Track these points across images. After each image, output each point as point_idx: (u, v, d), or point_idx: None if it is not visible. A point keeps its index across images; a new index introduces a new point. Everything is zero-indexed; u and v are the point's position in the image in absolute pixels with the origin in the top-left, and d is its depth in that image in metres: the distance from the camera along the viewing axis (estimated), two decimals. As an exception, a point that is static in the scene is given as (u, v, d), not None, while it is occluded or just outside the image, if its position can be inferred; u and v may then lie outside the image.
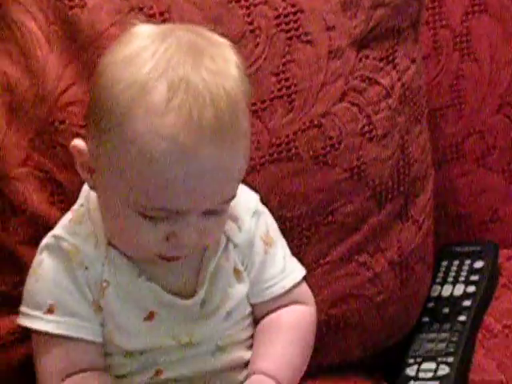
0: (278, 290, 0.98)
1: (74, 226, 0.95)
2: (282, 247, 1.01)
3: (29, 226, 1.00)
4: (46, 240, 0.95)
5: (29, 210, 1.00)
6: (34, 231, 0.99)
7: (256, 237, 0.98)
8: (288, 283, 0.99)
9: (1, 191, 0.99)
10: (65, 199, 1.01)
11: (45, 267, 0.93)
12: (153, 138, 0.85)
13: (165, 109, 0.84)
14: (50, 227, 0.97)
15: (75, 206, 0.97)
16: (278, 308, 0.99)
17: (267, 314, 0.99)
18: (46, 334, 0.92)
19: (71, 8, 1.00)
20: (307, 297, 1.01)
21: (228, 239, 0.97)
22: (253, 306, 0.99)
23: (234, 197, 0.91)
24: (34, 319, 0.93)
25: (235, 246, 0.97)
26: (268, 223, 1.00)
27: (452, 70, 1.27)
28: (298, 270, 1.01)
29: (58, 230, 0.95)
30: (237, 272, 0.97)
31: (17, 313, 0.97)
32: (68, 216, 0.96)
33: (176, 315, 0.94)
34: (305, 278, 1.01)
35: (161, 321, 0.93)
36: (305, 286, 1.02)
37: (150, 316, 0.93)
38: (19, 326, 0.97)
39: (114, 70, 0.88)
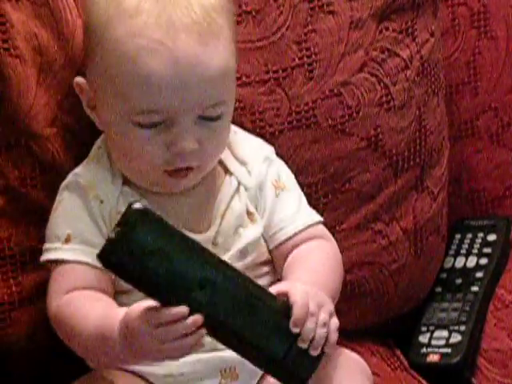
0: (291, 230, 1.00)
1: (92, 164, 0.99)
2: (297, 195, 1.03)
3: (57, 184, 1.01)
4: (67, 179, 0.99)
5: (57, 168, 1.02)
6: (62, 188, 1.02)
7: (267, 181, 1.01)
8: (302, 223, 1.00)
9: (31, 149, 1.02)
10: (90, 159, 1.04)
11: (64, 203, 0.98)
12: (129, 38, 0.91)
13: (136, 11, 0.92)
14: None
15: (97, 144, 1.01)
16: (299, 245, 1.00)
17: (290, 252, 1.00)
18: (63, 261, 0.95)
19: (101, -27, 1.03)
20: (326, 234, 1.03)
21: (239, 182, 1.00)
22: (271, 251, 1.01)
23: (225, 103, 0.94)
24: (53, 251, 0.97)
25: (246, 188, 1.00)
26: (280, 171, 1.03)
27: (469, 47, 1.28)
28: (314, 214, 1.02)
29: (76, 169, 1.00)
30: (249, 214, 1.00)
31: (42, 267, 1.00)
32: (89, 156, 1.01)
33: None
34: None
35: None
36: (323, 227, 1.02)
37: None
38: (45, 281, 1.00)
39: None
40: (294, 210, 1.01)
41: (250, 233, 0.99)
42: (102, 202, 0.97)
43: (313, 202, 1.10)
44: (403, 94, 1.14)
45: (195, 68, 0.92)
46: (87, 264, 0.95)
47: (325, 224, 1.08)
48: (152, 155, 0.94)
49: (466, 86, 1.29)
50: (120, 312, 0.89)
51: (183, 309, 0.83)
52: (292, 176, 1.04)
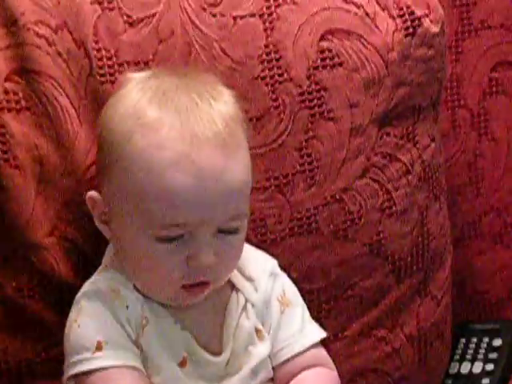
0: (295, 348, 0.99)
1: (109, 271, 0.97)
2: (301, 310, 1.02)
3: (55, 294, 1.01)
4: (84, 289, 0.96)
5: (55, 278, 1.01)
6: (60, 298, 1.01)
7: (272, 297, 1.00)
8: (306, 342, 1.00)
9: (29, 259, 1.01)
10: (91, 269, 1.01)
11: (86, 312, 0.94)
12: (152, 150, 0.91)
13: (158, 124, 0.91)
14: (75, 295, 0.98)
15: (108, 256, 0.99)
16: (301, 370, 0.99)
17: (291, 378, 0.99)
18: (100, 369, 0.92)
19: (102, 83, 1.02)
20: (328, 360, 1.02)
21: (246, 299, 0.99)
22: (274, 369, 1.00)
23: (243, 216, 0.94)
24: (85, 362, 0.92)
25: (253, 305, 0.99)
26: (285, 286, 1.02)
27: (470, 149, 1.29)
28: (317, 332, 1.02)
29: (94, 277, 0.97)
30: (258, 331, 0.99)
31: (40, 380, 0.98)
32: (101, 267, 0.99)
33: (204, 368, 0.96)
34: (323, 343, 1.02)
35: (192, 370, 0.95)
36: (324, 351, 1.02)
37: (184, 362, 0.95)
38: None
39: (109, 112, 0.95)
40: (299, 327, 1.00)
41: (260, 351, 0.98)
42: (127, 307, 0.94)
43: (315, 309, 1.09)
44: (405, 199, 1.14)
45: (219, 181, 0.91)
46: (126, 367, 0.92)
47: (327, 331, 1.06)
48: (170, 269, 0.92)
49: (467, 188, 1.30)
50: None
51: None
52: (295, 289, 1.04)
